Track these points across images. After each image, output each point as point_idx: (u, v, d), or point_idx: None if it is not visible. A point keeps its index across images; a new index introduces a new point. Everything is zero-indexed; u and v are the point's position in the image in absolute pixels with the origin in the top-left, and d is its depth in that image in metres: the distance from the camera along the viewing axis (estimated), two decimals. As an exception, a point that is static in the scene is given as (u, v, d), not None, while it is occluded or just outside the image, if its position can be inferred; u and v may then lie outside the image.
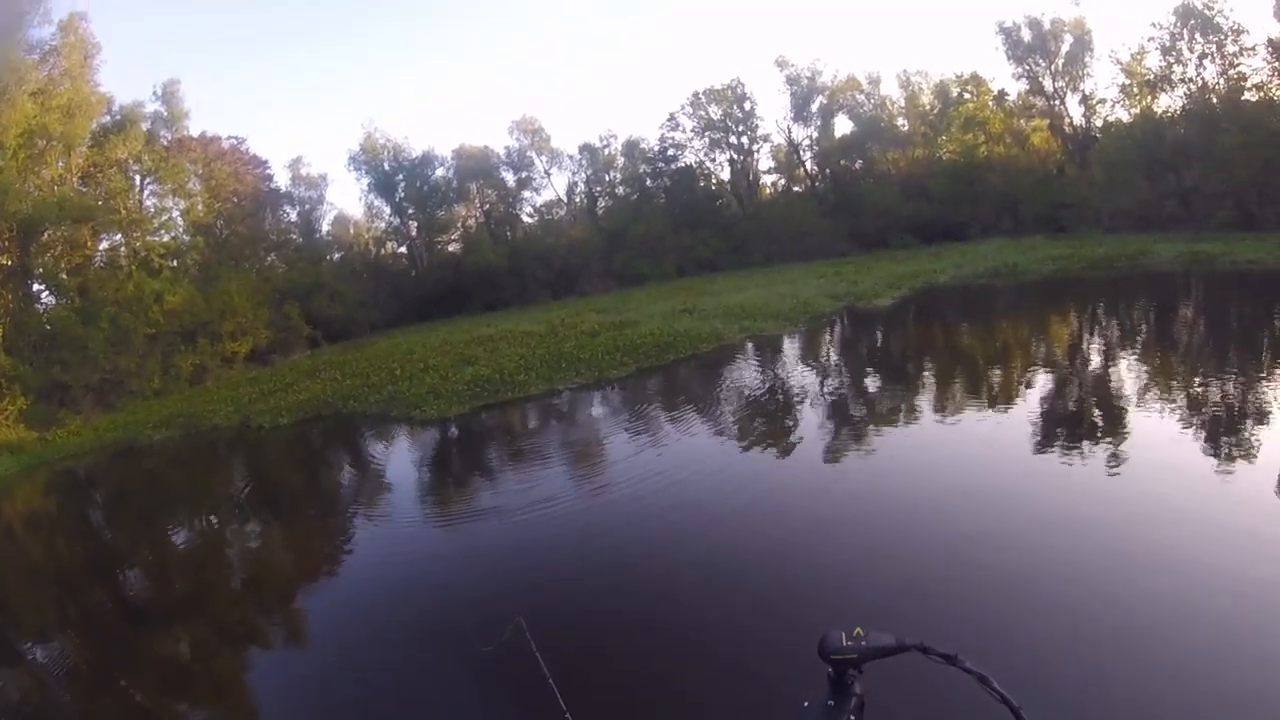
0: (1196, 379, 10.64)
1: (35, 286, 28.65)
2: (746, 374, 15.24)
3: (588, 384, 15.50)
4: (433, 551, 8.65)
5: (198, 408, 21.55)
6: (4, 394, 21.81)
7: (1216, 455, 7.71)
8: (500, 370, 16.91)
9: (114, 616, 8.88)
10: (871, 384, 13.35)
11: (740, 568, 6.78)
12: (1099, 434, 8.87)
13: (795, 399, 12.51)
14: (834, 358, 16.12)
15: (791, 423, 11.29)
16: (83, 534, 13.70)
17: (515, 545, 8.20)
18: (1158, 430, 8.53)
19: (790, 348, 17.52)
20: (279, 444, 16.66)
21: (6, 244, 26.57)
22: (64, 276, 28.24)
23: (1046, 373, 12.37)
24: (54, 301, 28.65)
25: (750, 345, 17.75)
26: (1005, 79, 42.36)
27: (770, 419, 11.71)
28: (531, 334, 22.89)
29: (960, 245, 33.84)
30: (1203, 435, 8.33)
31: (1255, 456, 7.53)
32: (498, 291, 39.62)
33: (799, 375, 14.26)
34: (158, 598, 9.32)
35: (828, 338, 18.35)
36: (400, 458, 13.63)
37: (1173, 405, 9.50)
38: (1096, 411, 9.96)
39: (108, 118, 31.02)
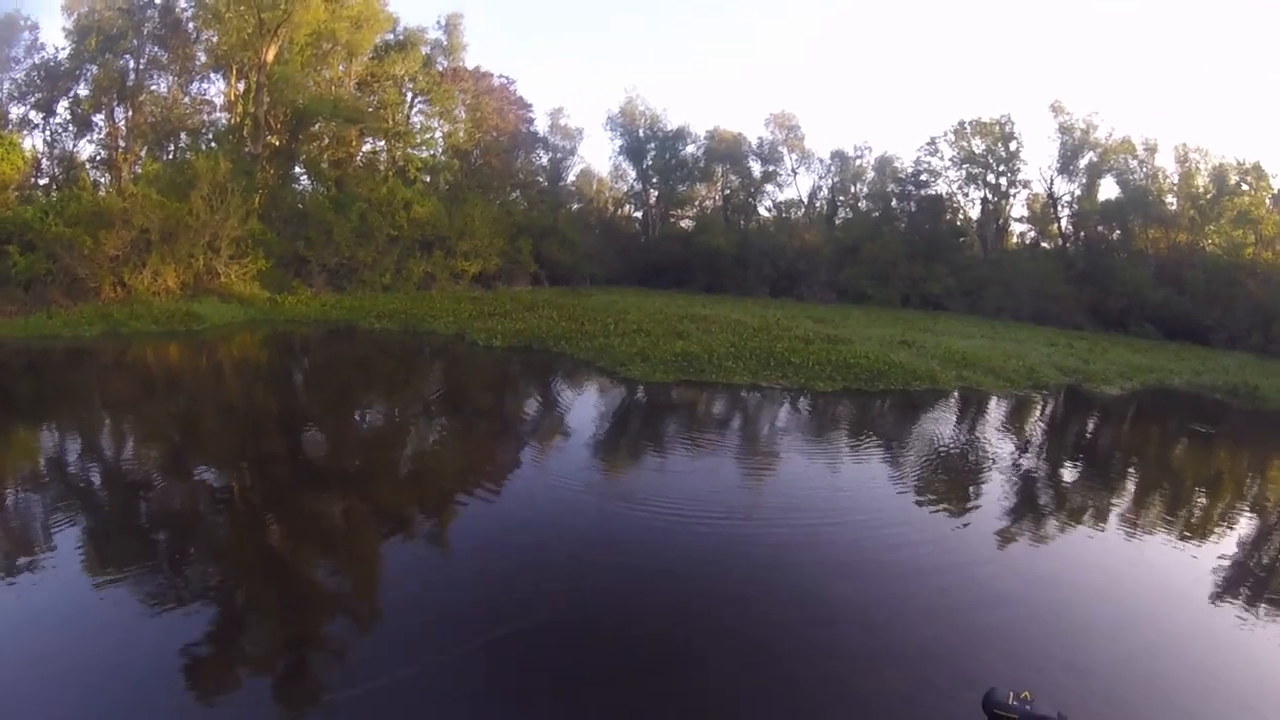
0: None
1: (297, 170, 32.72)
2: (950, 426, 14.63)
3: (791, 389, 15.53)
4: (578, 507, 8.79)
5: (420, 310, 23.80)
6: (249, 253, 24.94)
7: None
8: (710, 351, 17.40)
9: (284, 469, 10.04)
10: (1071, 475, 12.37)
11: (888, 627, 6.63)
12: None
13: (990, 467, 11.83)
14: (1043, 435, 15.12)
15: (974, 490, 10.81)
16: (281, 388, 15.55)
17: (651, 534, 8.20)
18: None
19: (1002, 410, 16.64)
20: (484, 361, 18.10)
21: (279, 127, 30.42)
22: (325, 167, 32.20)
23: (1250, 516, 10.95)
24: (311, 187, 32.56)
25: (962, 396, 16.86)
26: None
27: (954, 481, 11.21)
28: (745, 325, 23.31)
29: (1202, 350, 30.30)
30: None
31: None
32: (720, 276, 40.50)
33: (1003, 443, 13.48)
34: (327, 463, 10.51)
35: (1044, 411, 17.02)
36: (588, 407, 14.41)
37: None
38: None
39: (391, 36, 34.60)
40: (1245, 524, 10.42)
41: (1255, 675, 6.42)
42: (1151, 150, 41.18)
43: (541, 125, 45.28)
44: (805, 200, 48.82)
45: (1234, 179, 38.24)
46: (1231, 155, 40.42)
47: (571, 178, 49.34)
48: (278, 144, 30.81)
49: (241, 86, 30.27)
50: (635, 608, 6.67)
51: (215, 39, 29.34)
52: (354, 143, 33.88)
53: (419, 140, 35.94)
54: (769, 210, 49.35)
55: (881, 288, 39.52)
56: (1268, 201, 37.30)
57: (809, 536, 8.40)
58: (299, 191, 32.10)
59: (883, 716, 5.32)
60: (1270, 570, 8.82)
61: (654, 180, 46.85)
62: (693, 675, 5.63)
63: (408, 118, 36.13)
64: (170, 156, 30.39)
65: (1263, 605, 7.62)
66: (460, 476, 9.88)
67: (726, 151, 46.28)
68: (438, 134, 36.76)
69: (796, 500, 9.47)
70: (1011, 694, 2.75)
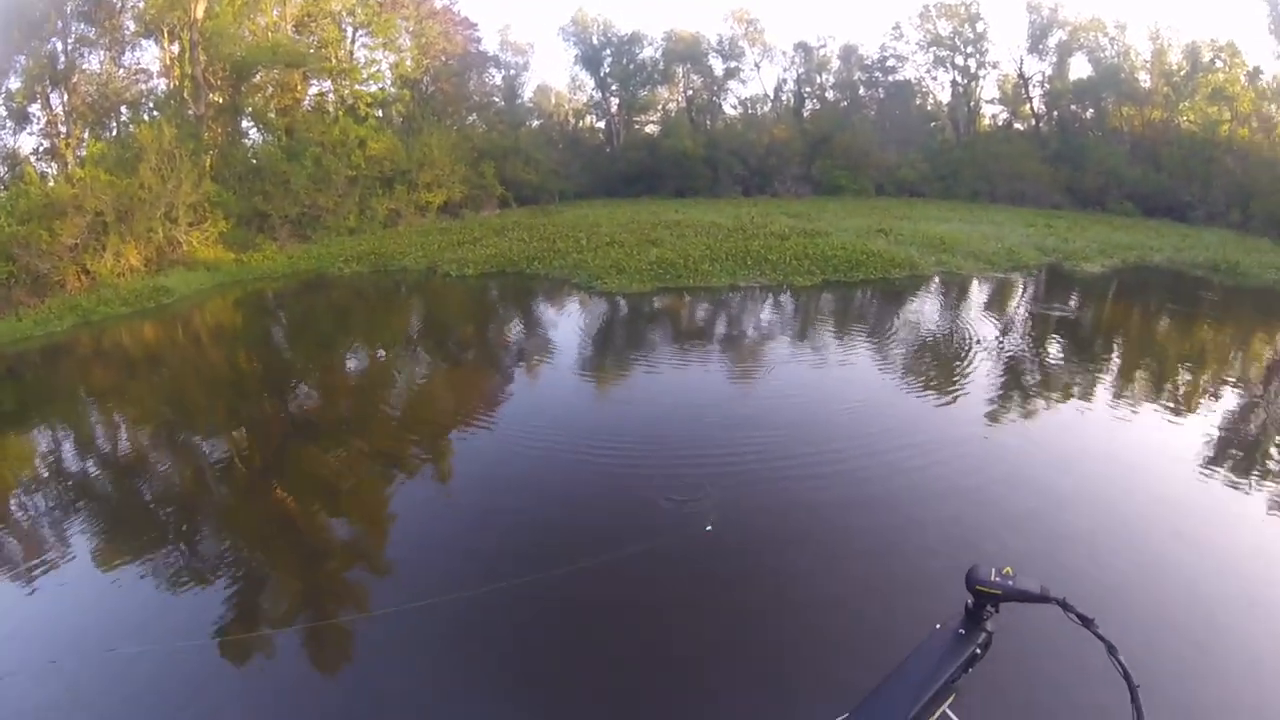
0: None
1: (245, 124, 31.10)
2: (932, 311, 14.58)
3: (770, 286, 15.39)
4: (574, 422, 8.95)
5: (388, 249, 23.10)
6: (207, 217, 23.93)
7: None
8: (685, 257, 17.09)
9: (276, 425, 9.92)
10: (1055, 353, 12.32)
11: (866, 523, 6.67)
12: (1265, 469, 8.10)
13: (974, 349, 11.78)
14: (1027, 315, 14.98)
15: (960, 374, 10.73)
16: (261, 348, 15.21)
17: (649, 426, 8.52)
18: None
19: (984, 293, 16.54)
20: (459, 292, 17.67)
21: (219, 83, 28.82)
22: (272, 116, 30.60)
23: (1236, 391, 10.93)
24: (261, 139, 31.08)
25: (941, 281, 16.74)
26: (1263, 55, 36.29)
27: (942, 365, 11.19)
28: (719, 226, 22.81)
29: (1181, 226, 30.18)
30: None
31: None
32: (689, 179, 39.42)
33: (986, 325, 13.38)
34: (319, 414, 10.39)
35: (1026, 292, 16.95)
36: (570, 323, 14.19)
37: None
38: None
39: (325, -30, 32.21)
40: (1231, 397, 10.40)
41: (1236, 538, 6.48)
42: (1121, 29, 40.04)
43: (491, 44, 43.21)
44: (771, 95, 47.08)
45: (1208, 56, 37.35)
46: (1205, 35, 39.71)
47: (528, 94, 47.23)
48: (221, 101, 29.14)
49: (175, 49, 28.40)
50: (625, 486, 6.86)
51: (141, 4, 27.41)
52: (299, 87, 32.14)
53: (365, 75, 34.05)
54: (734, 108, 47.60)
55: (855, 178, 38.75)
56: (1242, 78, 36.53)
57: (804, 429, 8.50)
58: (250, 146, 30.47)
59: (872, 594, 5.46)
60: (1255, 440, 8.84)
61: (613, 88, 45.13)
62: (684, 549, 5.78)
63: (351, 54, 34.21)
64: (114, 133, 28.73)
65: (1249, 474, 7.70)
66: (453, 410, 9.84)
67: (686, 51, 44.50)
68: (384, 66, 34.79)
69: (786, 390, 9.66)
70: (994, 570, 2.55)
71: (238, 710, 4.57)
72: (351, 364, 13.04)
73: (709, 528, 6.12)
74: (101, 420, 11.05)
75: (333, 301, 18.68)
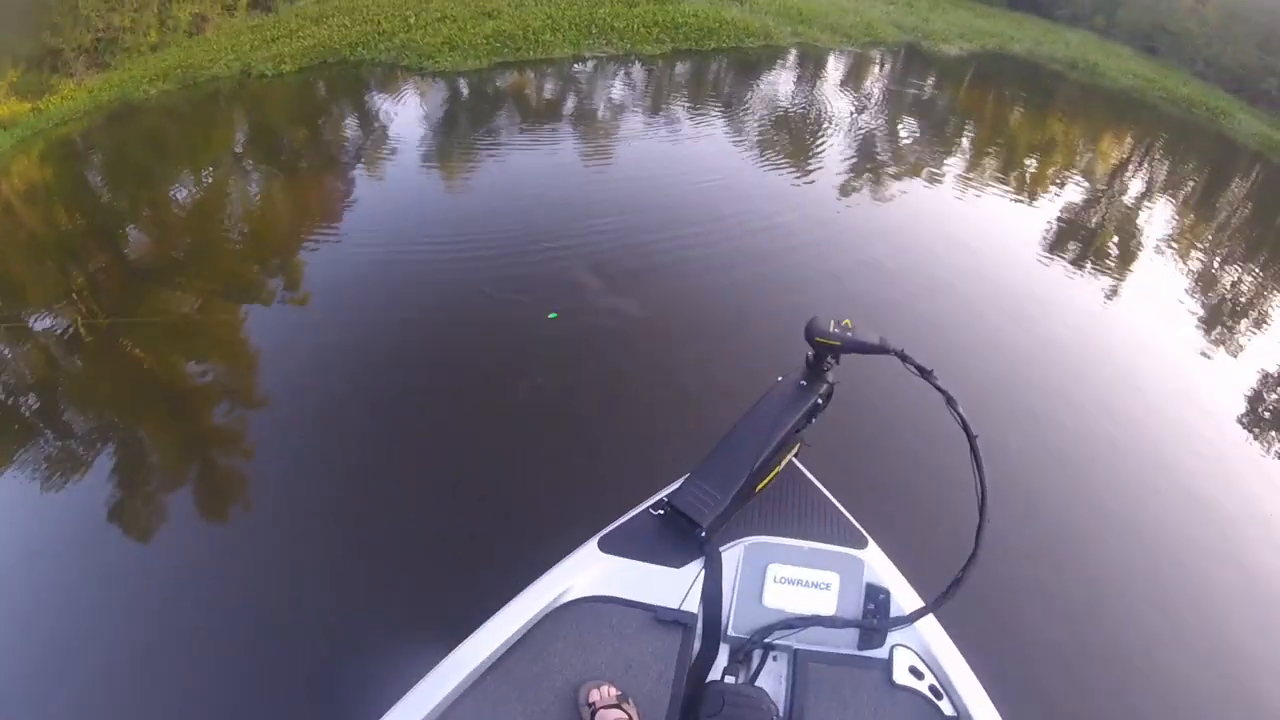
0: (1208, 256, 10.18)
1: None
2: (786, 84, 14.01)
3: (616, 56, 14.27)
4: (429, 213, 8.65)
5: (196, 59, 19.99)
6: None
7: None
8: (524, 28, 15.41)
9: (117, 278, 8.70)
10: (906, 133, 12.25)
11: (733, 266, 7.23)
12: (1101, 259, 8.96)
13: (826, 125, 11.62)
14: (880, 93, 14.66)
15: (815, 147, 10.69)
16: (82, 201, 13.17)
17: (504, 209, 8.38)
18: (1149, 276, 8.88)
19: (840, 68, 16.02)
20: (280, 93, 15.65)
21: None
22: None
23: (1078, 184, 11.49)
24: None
25: (798, 54, 16.14)
26: None
27: (796, 140, 10.96)
28: None
29: (1045, 21, 30.37)
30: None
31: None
32: None
33: (840, 101, 13.11)
34: (159, 257, 9.11)
35: (882, 69, 16.68)
36: (406, 113, 12.76)
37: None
38: (1113, 239, 9.72)
39: None
40: (1075, 190, 10.85)
41: (1066, 320, 7.10)
42: None
43: None
44: None
45: None
46: None
47: None
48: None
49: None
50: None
51: None
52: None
53: None
54: None
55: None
56: None
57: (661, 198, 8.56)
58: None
59: (711, 339, 5.89)
60: (1092, 233, 9.45)
61: None
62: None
63: None
64: None
65: (1083, 263, 8.36)
66: (294, 226, 9.03)
67: None
68: None
69: (638, 172, 9.46)
70: (833, 321, 2.44)
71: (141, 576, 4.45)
72: (180, 195, 11.47)
73: (553, 315, 6.30)
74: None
75: (146, 130, 16.25)
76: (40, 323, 8.22)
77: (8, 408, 6.61)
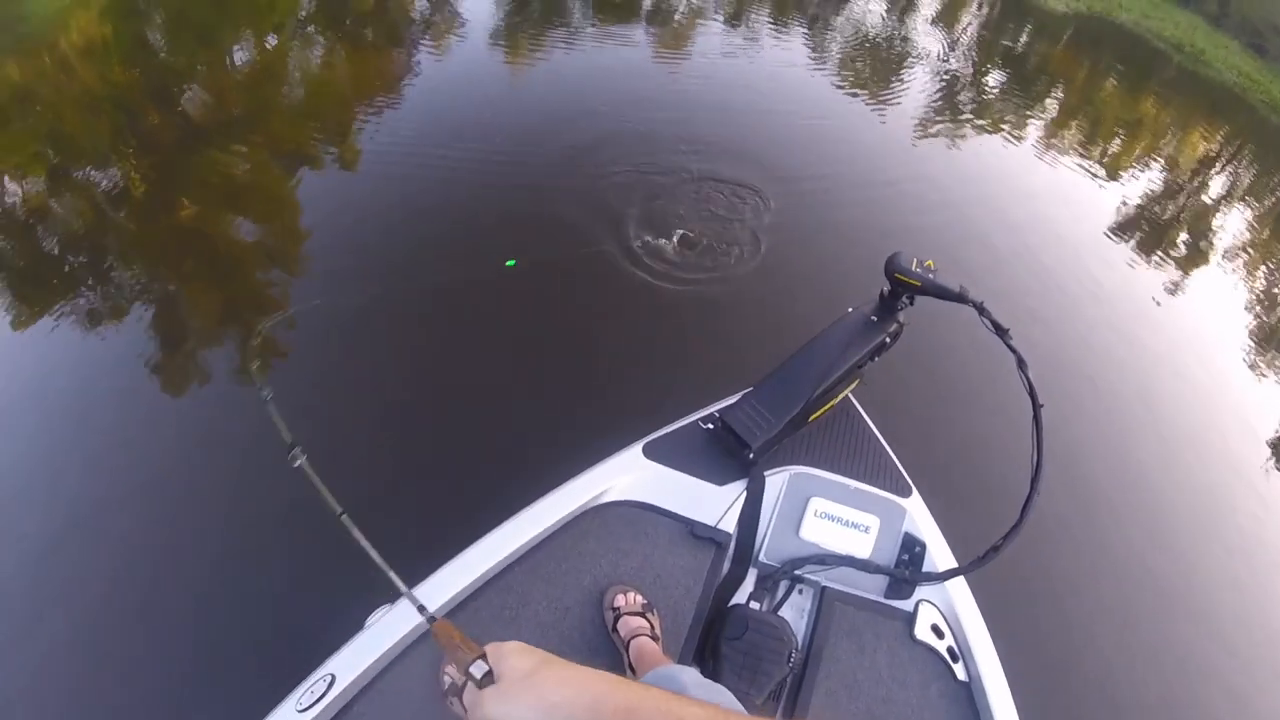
0: None
1: None
2: (878, 16, 13.43)
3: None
4: (494, 93, 8.57)
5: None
6: None
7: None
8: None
9: (168, 135, 8.54)
10: (995, 84, 11.84)
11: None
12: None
13: (914, 63, 11.26)
14: (973, 40, 14.05)
15: (896, 84, 10.38)
16: (139, 56, 12.73)
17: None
18: None
19: (933, 5, 15.24)
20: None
21: None
22: None
23: (1162, 173, 10.94)
24: None
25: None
26: None
27: (877, 74, 10.62)
28: None
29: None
30: None
31: None
32: None
33: (924, 38, 12.73)
34: (213, 118, 8.95)
35: (979, 10, 15.80)
36: None
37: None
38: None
39: None
40: (1155, 176, 10.37)
41: (1138, 308, 6.92)
42: None
43: None
44: None
45: None
46: None
47: None
48: None
49: None
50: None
51: None
52: None
53: None
54: None
55: None
56: None
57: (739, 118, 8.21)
58: None
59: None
60: (1169, 224, 9.16)
61: None
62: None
63: None
64: None
65: (1152, 252, 8.10)
66: (359, 90, 9.02)
67: None
68: None
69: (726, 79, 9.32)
70: (916, 260, 2.31)
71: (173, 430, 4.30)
72: (240, 56, 11.18)
73: (511, 263, 5.35)
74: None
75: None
76: (94, 177, 8.06)
77: (52, 260, 6.60)
